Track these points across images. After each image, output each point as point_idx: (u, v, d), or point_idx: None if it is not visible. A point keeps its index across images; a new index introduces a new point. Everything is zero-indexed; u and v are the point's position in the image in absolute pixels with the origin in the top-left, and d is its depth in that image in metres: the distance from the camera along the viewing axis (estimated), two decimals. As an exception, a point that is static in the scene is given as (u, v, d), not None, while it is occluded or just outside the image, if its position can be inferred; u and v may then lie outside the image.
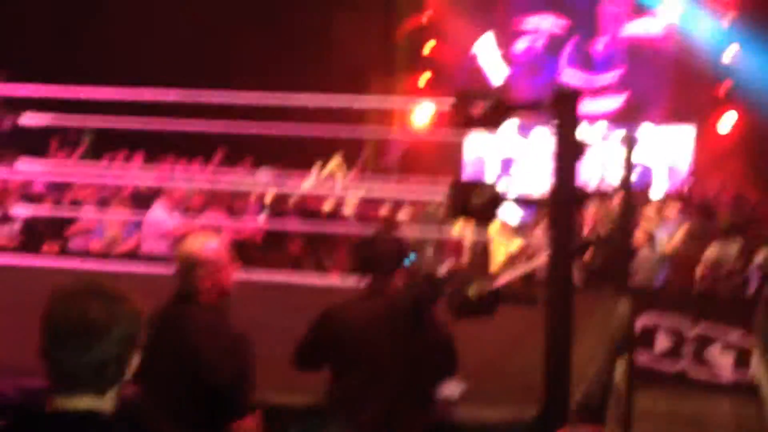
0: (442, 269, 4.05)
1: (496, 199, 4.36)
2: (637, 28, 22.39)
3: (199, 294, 3.99)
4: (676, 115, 21.15)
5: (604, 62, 22.12)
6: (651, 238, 10.70)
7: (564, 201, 4.07)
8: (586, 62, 22.30)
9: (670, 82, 21.53)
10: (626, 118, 19.70)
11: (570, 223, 4.09)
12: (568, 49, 22.52)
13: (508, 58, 22.32)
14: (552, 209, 4.09)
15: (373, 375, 4.08)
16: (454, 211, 4.46)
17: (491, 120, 4.49)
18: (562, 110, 4.11)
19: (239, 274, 4.49)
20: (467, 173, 20.33)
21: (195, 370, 3.83)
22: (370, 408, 4.04)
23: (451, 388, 4.14)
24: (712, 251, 10.49)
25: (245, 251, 11.48)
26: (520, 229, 11.83)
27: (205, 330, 3.92)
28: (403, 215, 12.52)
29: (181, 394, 3.83)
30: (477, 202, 4.34)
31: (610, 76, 21.77)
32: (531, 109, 4.62)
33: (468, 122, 4.55)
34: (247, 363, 3.89)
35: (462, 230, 11.53)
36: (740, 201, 14.61)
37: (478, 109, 4.47)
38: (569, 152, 4.11)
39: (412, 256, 4.43)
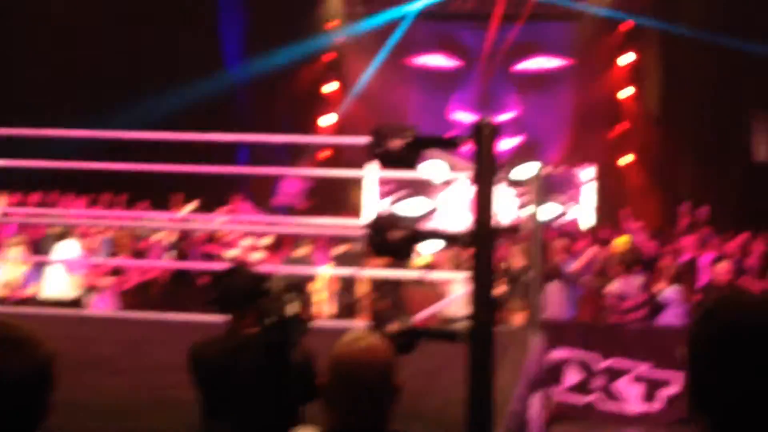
0: (292, 311, 3.85)
1: (416, 235, 4.33)
2: (528, 65, 22.72)
3: None
4: (575, 155, 21.67)
5: (498, 103, 22.36)
6: (560, 273, 10.83)
7: (485, 236, 4.06)
8: (479, 103, 22.49)
9: (568, 124, 22.05)
10: (523, 160, 19.87)
11: (491, 257, 4.08)
12: (459, 90, 22.74)
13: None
14: (473, 244, 4.07)
15: (229, 415, 3.98)
16: (373, 247, 4.41)
17: (408, 157, 4.47)
18: (482, 145, 4.11)
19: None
20: (371, 211, 20.31)
21: None
22: None
23: None
24: (615, 285, 10.65)
25: (152, 292, 11.33)
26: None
27: None
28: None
29: None
30: (396, 237, 4.30)
31: (504, 118, 22.04)
32: (449, 145, 4.60)
33: (385, 159, 4.52)
34: None
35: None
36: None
37: (395, 146, 4.44)
38: (488, 187, 4.11)
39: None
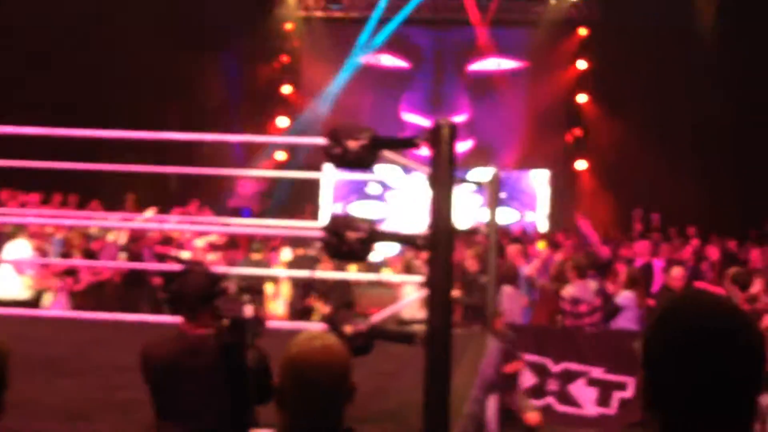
0: (248, 312, 3.79)
1: (372, 236, 4.31)
2: (483, 66, 22.60)
3: None
4: (528, 160, 21.61)
5: (449, 105, 22.27)
6: (515, 277, 10.84)
7: (442, 238, 4.05)
8: (429, 105, 22.41)
9: (520, 127, 21.95)
10: (475, 163, 19.84)
11: (448, 260, 4.07)
12: (409, 91, 22.60)
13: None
14: (430, 247, 4.06)
15: (181, 416, 3.92)
16: (330, 248, 4.38)
17: (365, 158, 4.45)
18: (440, 146, 4.10)
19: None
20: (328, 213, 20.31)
21: None
22: None
23: None
24: (569, 289, 10.69)
25: (105, 292, 11.20)
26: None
27: None
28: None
29: None
30: (353, 238, 4.28)
31: (454, 120, 21.70)
32: (406, 146, 4.59)
33: (341, 161, 4.50)
34: None
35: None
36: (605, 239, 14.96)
37: (352, 147, 4.42)
38: (446, 189, 4.10)
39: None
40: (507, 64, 22.45)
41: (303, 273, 10.78)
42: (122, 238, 12.27)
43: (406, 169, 18.74)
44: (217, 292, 4.05)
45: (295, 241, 13.11)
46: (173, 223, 11.15)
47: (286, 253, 12.66)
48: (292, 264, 12.15)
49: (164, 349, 4.01)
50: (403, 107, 22.55)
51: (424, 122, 21.80)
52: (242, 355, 3.90)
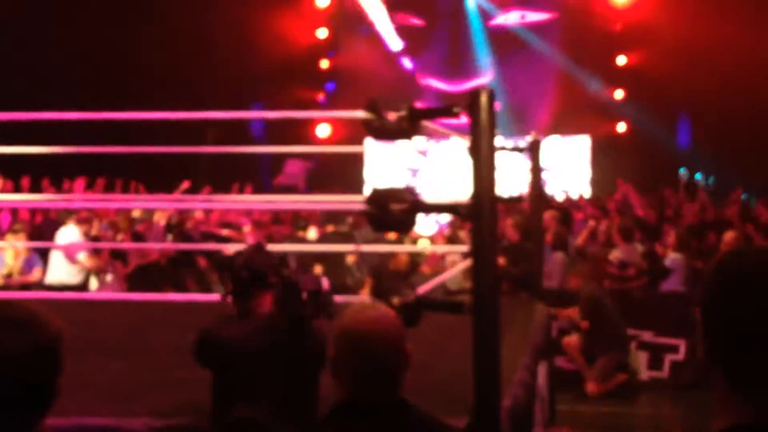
0: (320, 285, 3.76)
1: (416, 207, 4.30)
2: (506, 20, 21.13)
3: None
4: (564, 123, 20.56)
5: (469, 67, 21.26)
6: (564, 244, 10.77)
7: (485, 207, 4.03)
8: (447, 68, 21.46)
9: (553, 87, 20.68)
10: (504, 129, 18.83)
11: (493, 228, 4.05)
12: (424, 54, 21.39)
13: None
14: (473, 215, 4.04)
15: (253, 396, 3.89)
16: (374, 220, 4.38)
17: (405, 129, 4.44)
18: (479, 113, 4.07)
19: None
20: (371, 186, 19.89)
21: None
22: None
23: None
24: (616, 253, 10.62)
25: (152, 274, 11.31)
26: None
27: None
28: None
29: None
30: (396, 209, 4.27)
31: (478, 84, 19.76)
32: (445, 114, 4.55)
33: (382, 133, 4.49)
34: None
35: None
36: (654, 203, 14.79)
37: (392, 119, 4.41)
38: (488, 157, 4.07)
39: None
40: (532, 16, 20.96)
41: (345, 248, 10.73)
42: (165, 220, 12.35)
43: (445, 138, 18.56)
44: (282, 269, 4.01)
45: (328, 218, 13.00)
46: (216, 203, 11.22)
47: (312, 232, 12.46)
48: (323, 241, 12.05)
49: (233, 330, 3.92)
50: (419, 71, 21.58)
51: (443, 87, 21.06)
52: (309, 332, 3.86)
